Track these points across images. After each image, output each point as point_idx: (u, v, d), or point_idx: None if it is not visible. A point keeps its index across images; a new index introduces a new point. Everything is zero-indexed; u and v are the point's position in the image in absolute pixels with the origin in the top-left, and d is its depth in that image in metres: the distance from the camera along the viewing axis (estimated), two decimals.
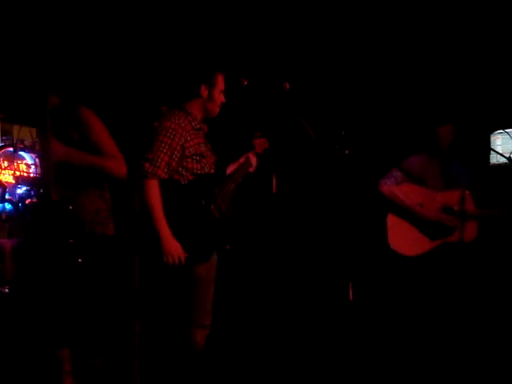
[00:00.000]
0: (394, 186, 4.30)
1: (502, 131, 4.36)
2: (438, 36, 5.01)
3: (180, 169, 3.36)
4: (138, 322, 3.50)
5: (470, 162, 4.54)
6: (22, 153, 4.38)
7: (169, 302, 3.41)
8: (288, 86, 3.65)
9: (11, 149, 4.33)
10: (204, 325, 3.42)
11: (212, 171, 3.47)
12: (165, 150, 3.29)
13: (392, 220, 4.29)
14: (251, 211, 5.10)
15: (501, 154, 4.05)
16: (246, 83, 3.66)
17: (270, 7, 4.92)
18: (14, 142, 4.33)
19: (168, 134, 3.31)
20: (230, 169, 3.67)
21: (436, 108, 4.64)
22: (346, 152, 3.67)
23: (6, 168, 4.33)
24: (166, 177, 3.31)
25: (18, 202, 4.19)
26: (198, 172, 3.40)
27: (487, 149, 4.45)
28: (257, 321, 4.96)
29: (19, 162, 4.37)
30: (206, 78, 3.45)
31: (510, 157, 3.83)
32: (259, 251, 5.11)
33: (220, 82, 3.47)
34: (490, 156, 4.59)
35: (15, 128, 4.51)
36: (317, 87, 5.05)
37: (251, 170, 3.73)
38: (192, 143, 3.39)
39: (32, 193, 4.09)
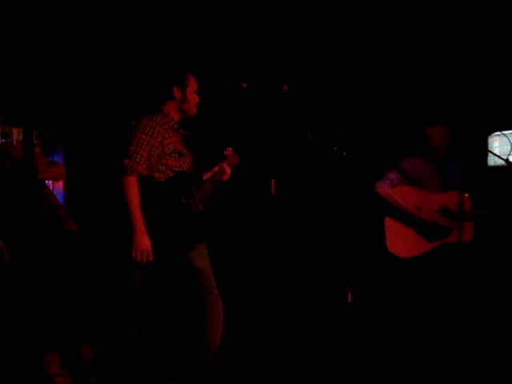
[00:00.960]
0: (389, 188, 4.30)
1: (499, 133, 4.37)
2: (435, 39, 5.03)
3: (160, 166, 3.42)
4: (137, 322, 3.51)
5: (468, 164, 4.55)
6: None
7: (174, 300, 3.45)
8: (286, 88, 3.67)
9: None
10: None
11: (189, 170, 3.54)
12: (143, 147, 3.35)
13: (389, 222, 4.29)
14: (250, 213, 5.12)
15: (498, 156, 4.04)
16: (244, 86, 3.69)
17: (267, 9, 4.94)
18: (14, 144, 4.36)
19: (146, 131, 3.38)
20: (206, 176, 3.71)
21: (425, 109, 4.65)
22: (344, 154, 3.69)
23: None
24: (145, 173, 3.36)
25: None
26: (177, 170, 3.45)
27: (485, 151, 4.46)
28: (255, 323, 4.97)
29: None
30: (177, 79, 3.53)
31: (507, 159, 3.83)
32: (258, 253, 5.12)
33: (192, 83, 3.56)
34: (488, 158, 4.59)
35: (15, 130, 4.52)
36: (315, 89, 5.06)
37: (225, 178, 3.77)
38: (171, 140, 3.46)
39: None
